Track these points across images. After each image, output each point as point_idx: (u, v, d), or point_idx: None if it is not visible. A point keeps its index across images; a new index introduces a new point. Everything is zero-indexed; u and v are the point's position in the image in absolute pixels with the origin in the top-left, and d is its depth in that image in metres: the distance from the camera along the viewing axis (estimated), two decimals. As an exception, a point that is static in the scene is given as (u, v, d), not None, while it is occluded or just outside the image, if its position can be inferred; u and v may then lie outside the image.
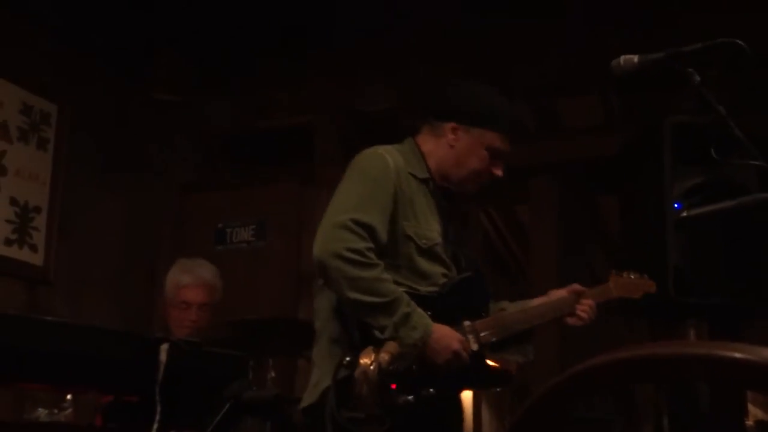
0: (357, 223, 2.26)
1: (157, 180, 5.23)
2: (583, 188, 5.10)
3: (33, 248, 4.37)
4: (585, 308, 2.59)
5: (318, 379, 2.36)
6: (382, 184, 2.38)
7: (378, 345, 2.23)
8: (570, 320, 2.60)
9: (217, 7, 4.66)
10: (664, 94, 4.05)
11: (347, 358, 2.22)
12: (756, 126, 2.72)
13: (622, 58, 2.42)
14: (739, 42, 2.18)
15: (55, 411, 2.75)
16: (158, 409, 1.81)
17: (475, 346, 2.37)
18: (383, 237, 2.32)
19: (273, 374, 3.62)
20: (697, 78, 2.24)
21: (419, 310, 2.29)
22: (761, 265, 3.16)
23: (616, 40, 4.21)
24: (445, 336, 2.30)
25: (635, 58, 2.39)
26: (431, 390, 2.25)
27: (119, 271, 4.87)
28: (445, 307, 2.39)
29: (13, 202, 4.29)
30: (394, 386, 2.19)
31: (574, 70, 4.55)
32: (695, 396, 2.36)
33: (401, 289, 2.29)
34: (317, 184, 5.00)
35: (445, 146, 2.54)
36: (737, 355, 0.73)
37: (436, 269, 2.44)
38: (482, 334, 2.41)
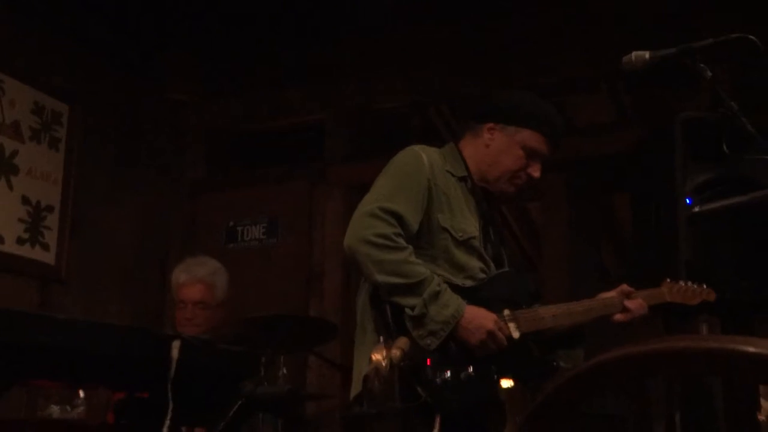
0: (384, 210, 2.31)
1: (169, 179, 5.24)
2: (595, 186, 5.09)
3: (45, 247, 4.39)
4: (635, 304, 2.57)
5: (360, 368, 2.37)
6: (413, 177, 2.43)
7: (407, 326, 2.25)
8: (618, 317, 2.57)
9: (228, 6, 4.67)
10: (675, 90, 4.03)
11: (381, 339, 2.21)
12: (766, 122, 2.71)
13: (634, 54, 2.41)
14: (752, 38, 2.17)
15: (68, 408, 2.76)
16: (170, 406, 1.81)
17: (516, 334, 2.37)
18: (412, 225, 2.36)
19: (284, 371, 3.62)
20: (709, 73, 2.23)
21: (451, 291, 2.31)
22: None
23: (623, 36, 4.20)
24: (479, 316, 2.31)
25: (646, 55, 2.38)
26: (469, 369, 2.25)
27: (131, 270, 4.89)
28: (484, 298, 2.39)
29: (25, 201, 4.31)
30: (429, 362, 2.21)
31: (584, 67, 4.54)
32: (708, 391, 2.35)
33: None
34: (328, 183, 5.01)
35: (481, 146, 2.58)
36: (751, 349, 0.73)
37: (473, 263, 2.46)
38: (523, 324, 2.40)
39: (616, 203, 5.75)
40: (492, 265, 2.52)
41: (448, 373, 2.22)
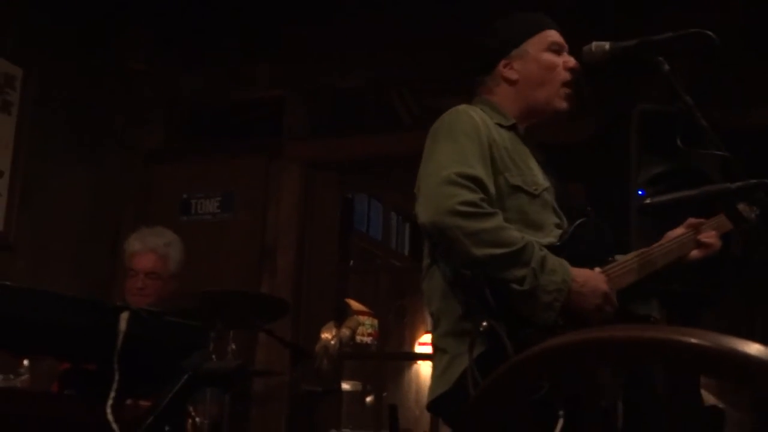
0: (462, 175, 2.07)
1: (123, 149, 5.18)
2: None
3: (-7, 212, 4.31)
4: (710, 235, 2.42)
5: (447, 364, 2.13)
6: (474, 138, 2.20)
7: (514, 304, 2.00)
8: (695, 253, 2.40)
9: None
10: (633, 82, 4.07)
11: (484, 324, 1.97)
12: (721, 118, 2.75)
13: (594, 44, 2.42)
14: (710, 33, 2.19)
15: (11, 376, 2.72)
16: (116, 377, 1.80)
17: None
18: (491, 188, 2.13)
19: (233, 346, 3.62)
20: (666, 67, 2.26)
21: (551, 254, 2.07)
22: (720, 254, 3.19)
23: (582, 28, 4.23)
24: (591, 277, 2.09)
25: (606, 45, 2.40)
26: None
27: (82, 240, 4.83)
28: (571, 256, 2.14)
29: (-25, 165, 4.23)
30: None
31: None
32: (651, 381, 2.39)
33: None
34: (285, 158, 4.99)
35: (508, 87, 2.42)
36: (694, 340, 0.74)
37: (549, 218, 2.27)
38: (615, 281, 2.16)
39: (571, 193, 5.80)
40: (563, 217, 2.32)
41: None
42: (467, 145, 2.18)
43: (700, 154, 2.73)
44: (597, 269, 2.17)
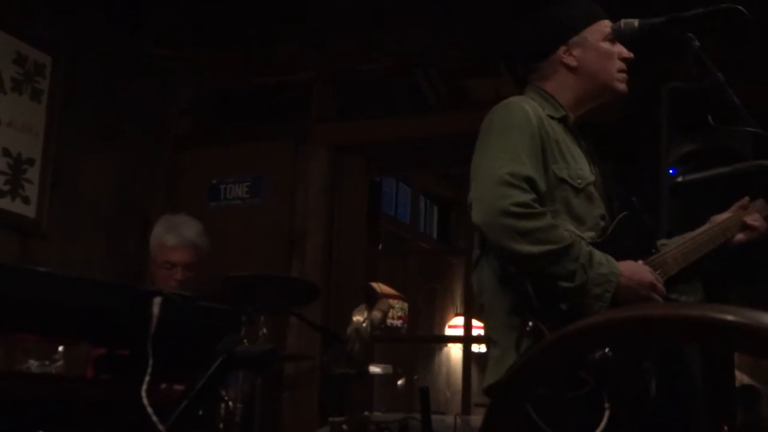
0: (515, 176, 2.14)
1: (153, 134, 5.21)
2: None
3: (26, 200, 4.36)
4: (756, 218, 2.44)
5: (500, 355, 2.20)
6: (526, 132, 2.25)
7: (560, 303, 2.08)
8: (740, 236, 2.44)
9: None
10: (663, 60, 4.03)
11: (530, 324, 2.06)
12: (754, 95, 2.72)
13: (623, 21, 2.41)
14: (741, 9, 2.16)
15: (46, 362, 2.75)
16: (150, 362, 1.81)
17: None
18: (541, 186, 2.20)
19: (265, 330, 3.64)
20: (697, 43, 2.23)
21: (595, 249, 2.14)
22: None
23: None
24: (637, 270, 2.17)
25: (635, 23, 2.38)
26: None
27: (113, 225, 4.87)
28: (615, 249, 2.21)
29: (6, 153, 4.27)
30: None
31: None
32: (685, 361, 2.37)
33: None
34: (313, 142, 4.99)
35: (567, 74, 2.43)
36: (729, 317, 0.73)
37: (593, 211, 2.31)
38: (659, 272, 2.23)
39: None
40: (605, 210, 2.35)
41: (608, 350, 1.88)
42: (520, 141, 2.23)
43: (731, 132, 2.70)
44: (640, 261, 2.22)
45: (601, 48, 2.43)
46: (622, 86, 2.45)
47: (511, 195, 2.11)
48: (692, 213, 3.09)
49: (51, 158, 4.47)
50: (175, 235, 3.72)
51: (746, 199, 2.52)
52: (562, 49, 2.43)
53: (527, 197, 2.13)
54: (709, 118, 2.56)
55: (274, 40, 5.11)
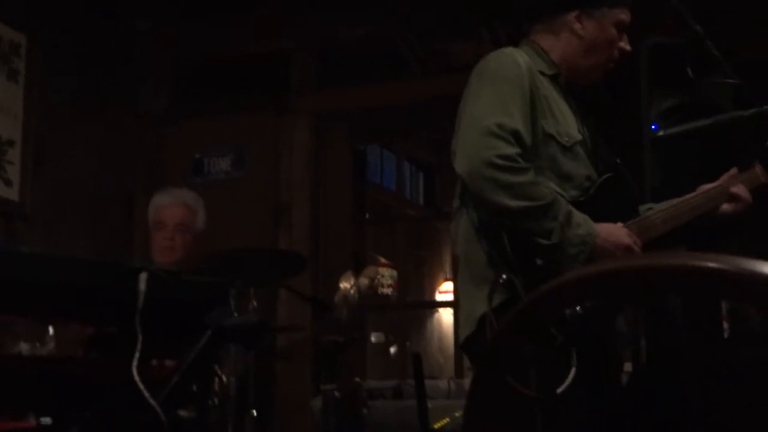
0: (502, 128, 2.12)
1: (133, 110, 5.17)
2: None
3: (8, 183, 4.32)
4: (742, 189, 2.42)
5: (471, 307, 2.21)
6: (517, 84, 2.23)
7: (535, 259, 2.08)
8: (726, 207, 2.41)
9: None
10: (641, 15, 4.01)
11: (503, 276, 2.06)
12: (733, 46, 2.71)
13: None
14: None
15: (37, 345, 2.75)
16: (139, 338, 1.81)
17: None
18: (528, 140, 2.19)
19: (255, 303, 3.64)
20: (675, -5, 2.22)
21: (575, 209, 2.15)
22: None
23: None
24: (614, 232, 2.18)
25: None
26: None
27: (96, 204, 4.84)
28: (595, 212, 2.21)
29: (-14, 136, 4.24)
30: None
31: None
32: (670, 312, 2.38)
33: None
34: (295, 113, 4.96)
35: (570, 38, 2.41)
36: (711, 264, 0.73)
37: (579, 170, 2.30)
38: (640, 234, 2.24)
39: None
40: (592, 170, 2.35)
41: (579, 308, 1.89)
42: (510, 92, 2.21)
43: (711, 85, 2.70)
44: (620, 224, 2.22)
45: (609, 32, 2.41)
46: (599, 77, 2.46)
47: (497, 146, 2.11)
48: (675, 168, 3.10)
49: (31, 139, 4.43)
50: (168, 195, 3.80)
51: (734, 169, 2.52)
52: (576, 12, 2.41)
53: (512, 150, 2.12)
54: (689, 71, 2.56)
55: (251, 10, 5.06)
